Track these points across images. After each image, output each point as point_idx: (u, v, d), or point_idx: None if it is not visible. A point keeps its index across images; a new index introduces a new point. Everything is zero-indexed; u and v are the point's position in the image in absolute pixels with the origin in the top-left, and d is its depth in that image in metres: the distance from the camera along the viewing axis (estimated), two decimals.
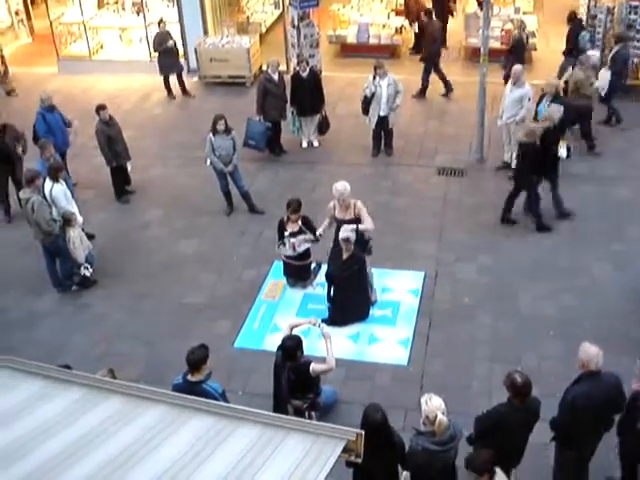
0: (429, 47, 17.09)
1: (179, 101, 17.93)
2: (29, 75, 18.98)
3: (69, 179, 12.46)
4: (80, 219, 11.43)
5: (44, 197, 11.01)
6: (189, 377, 7.60)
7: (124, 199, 13.86)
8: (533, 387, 6.99)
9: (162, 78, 17.83)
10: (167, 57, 17.38)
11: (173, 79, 17.94)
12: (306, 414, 8.36)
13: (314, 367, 8.24)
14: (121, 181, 13.86)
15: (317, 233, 10.70)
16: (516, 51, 16.00)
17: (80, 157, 14.52)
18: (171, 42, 17.20)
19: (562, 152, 13.12)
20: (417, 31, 19.47)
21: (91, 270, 11.49)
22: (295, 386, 8.29)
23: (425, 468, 6.84)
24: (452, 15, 19.59)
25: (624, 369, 8.26)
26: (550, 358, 9.68)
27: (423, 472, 6.91)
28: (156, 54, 17.88)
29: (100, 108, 13.16)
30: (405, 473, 7.17)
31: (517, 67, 13.45)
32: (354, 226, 10.24)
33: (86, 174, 14.22)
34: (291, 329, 8.73)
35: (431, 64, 17.04)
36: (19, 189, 12.23)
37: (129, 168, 13.75)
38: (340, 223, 10.43)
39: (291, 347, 8.21)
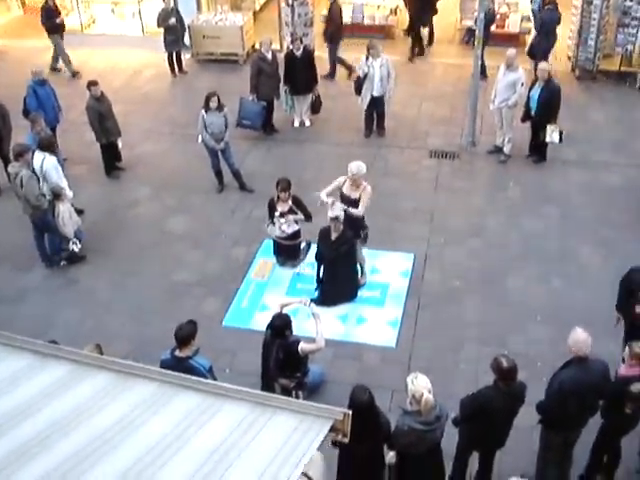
0: (329, 29, 17.13)
1: (172, 78, 17.81)
2: (20, 48, 18.80)
3: (60, 154, 12.38)
4: (70, 194, 11.36)
5: (33, 171, 10.94)
6: (177, 352, 7.61)
7: (114, 175, 13.80)
8: (520, 371, 7.02)
9: (166, 55, 17.65)
10: (170, 34, 17.20)
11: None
12: (293, 393, 8.38)
13: (303, 346, 8.26)
14: (111, 157, 13.78)
15: (322, 200, 10.39)
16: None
17: (71, 133, 14.42)
18: (173, 20, 16.99)
19: (555, 137, 13.14)
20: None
21: (80, 245, 11.45)
22: (283, 365, 8.30)
23: (411, 448, 6.87)
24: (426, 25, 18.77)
25: (611, 354, 8.35)
26: (537, 342, 9.74)
27: (409, 452, 6.95)
28: (152, 30, 17.77)
29: (91, 84, 13.03)
30: (391, 454, 7.21)
31: (511, 51, 13.41)
32: (344, 206, 10.21)
33: (77, 150, 14.11)
34: (281, 308, 8.73)
35: (334, 45, 17.15)
36: (6, 164, 12.15)
37: (120, 145, 13.67)
38: (345, 200, 10.38)
39: (280, 326, 8.22)
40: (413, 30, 18.19)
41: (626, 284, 8.53)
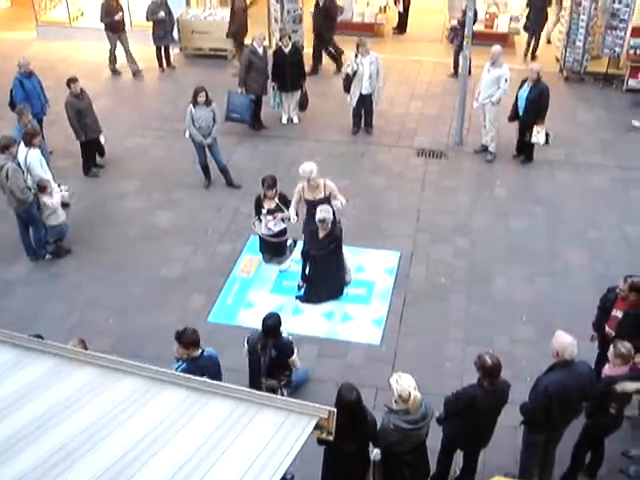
0: (232, 28, 17.18)
1: (160, 72, 17.74)
2: (7, 40, 18.66)
3: (45, 147, 12.30)
4: (66, 194, 11.32)
5: (18, 164, 10.87)
6: (190, 354, 7.62)
7: (92, 173, 13.64)
8: (504, 370, 7.04)
9: (155, 49, 17.57)
10: (159, 28, 17.10)
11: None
12: (279, 392, 8.38)
13: (294, 360, 8.42)
14: (92, 155, 13.63)
15: (291, 219, 10.59)
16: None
17: (57, 125, 14.32)
18: (162, 13, 16.90)
19: (540, 138, 13.18)
20: (401, 10, 19.41)
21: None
22: (275, 364, 8.28)
23: (396, 446, 6.88)
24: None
25: (595, 354, 8.39)
26: (522, 342, 9.76)
27: (394, 450, 6.96)
28: (140, 24, 17.63)
29: (71, 81, 12.80)
30: (376, 451, 7.22)
31: (496, 47, 13.40)
32: (328, 206, 10.16)
33: (63, 143, 14.01)
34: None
35: (239, 40, 17.30)
36: None
37: (102, 140, 13.55)
38: (311, 204, 10.35)
39: (273, 326, 8.20)
40: (317, 50, 17.52)
41: (603, 302, 8.52)
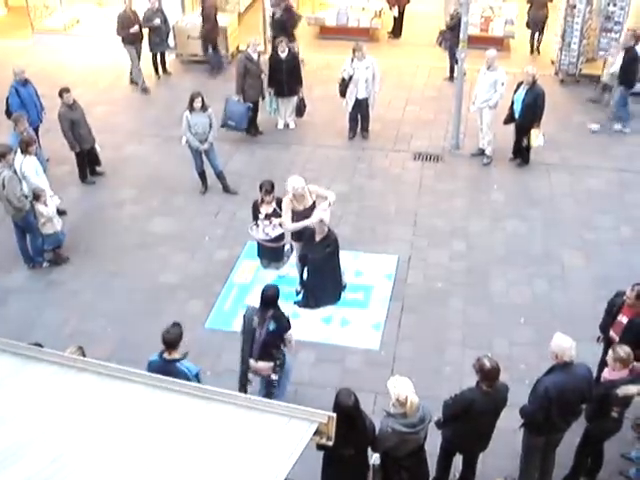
0: (205, 26, 17.40)
1: (155, 79, 17.74)
2: (2, 47, 18.64)
3: (42, 155, 12.29)
4: (57, 200, 11.29)
5: (15, 172, 10.87)
6: (165, 355, 7.56)
7: (89, 181, 13.63)
8: (503, 373, 7.04)
9: (151, 56, 17.52)
10: (155, 35, 17.07)
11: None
12: (271, 376, 8.37)
13: (290, 335, 8.37)
14: (86, 164, 13.56)
15: (296, 227, 10.49)
16: (455, 29, 15.39)
17: (54, 132, 14.27)
18: (157, 20, 16.88)
19: (540, 141, 13.20)
20: (396, 15, 19.45)
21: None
22: (271, 340, 8.24)
23: (394, 450, 6.88)
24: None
25: (594, 355, 8.40)
26: (520, 345, 9.76)
27: (393, 454, 6.96)
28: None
29: (64, 91, 12.74)
30: (375, 455, 7.22)
31: (490, 51, 13.43)
32: (327, 206, 10.15)
33: (59, 150, 13.97)
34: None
35: (208, 42, 17.50)
36: None
37: (98, 149, 13.53)
38: (302, 214, 10.33)
39: (272, 295, 8.24)
40: None
41: (610, 306, 8.52)
